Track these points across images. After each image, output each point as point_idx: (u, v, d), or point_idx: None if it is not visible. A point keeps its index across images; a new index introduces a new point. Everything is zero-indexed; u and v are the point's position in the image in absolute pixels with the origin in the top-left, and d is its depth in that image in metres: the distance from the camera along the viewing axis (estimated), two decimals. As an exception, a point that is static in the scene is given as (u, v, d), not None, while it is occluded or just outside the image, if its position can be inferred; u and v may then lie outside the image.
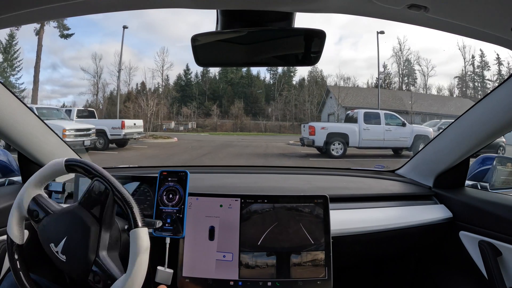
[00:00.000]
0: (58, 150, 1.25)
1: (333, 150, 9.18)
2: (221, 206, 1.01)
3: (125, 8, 0.68)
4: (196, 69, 25.11)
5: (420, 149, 1.42)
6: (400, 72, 22.46)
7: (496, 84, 1.00)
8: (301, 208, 1.00)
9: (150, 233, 0.83)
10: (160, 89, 22.64)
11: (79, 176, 1.09)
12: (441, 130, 1.24)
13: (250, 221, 0.99)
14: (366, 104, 17.86)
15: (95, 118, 11.42)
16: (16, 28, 16.67)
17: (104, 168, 0.80)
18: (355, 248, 1.12)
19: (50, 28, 18.60)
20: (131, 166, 1.65)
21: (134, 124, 10.44)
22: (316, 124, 9.82)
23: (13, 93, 1.01)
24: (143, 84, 22.70)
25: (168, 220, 0.97)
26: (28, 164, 1.19)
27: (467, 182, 1.32)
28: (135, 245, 0.69)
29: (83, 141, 8.19)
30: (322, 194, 1.01)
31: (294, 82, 24.34)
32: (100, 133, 9.17)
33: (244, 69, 24.02)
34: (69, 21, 19.16)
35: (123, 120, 10.22)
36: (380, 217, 1.15)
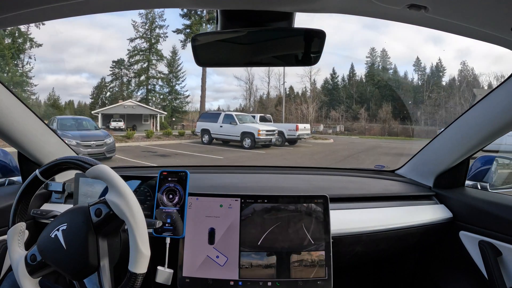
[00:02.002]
0: (57, 149, 1.25)
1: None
2: (221, 206, 1.01)
3: (125, 8, 0.68)
4: (342, 73, 25.15)
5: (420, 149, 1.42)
6: None
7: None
8: (301, 208, 1.00)
9: (150, 233, 0.83)
10: (308, 93, 23.52)
11: (79, 176, 1.09)
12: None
13: (250, 221, 0.99)
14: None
15: (271, 122, 14.50)
16: (182, 47, 21.61)
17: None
18: (355, 248, 1.12)
19: None
20: (131, 166, 1.65)
21: (304, 127, 13.32)
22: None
23: (13, 93, 1.00)
24: (291, 88, 24.02)
25: (168, 220, 0.97)
26: (28, 164, 1.19)
27: (467, 182, 1.32)
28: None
29: (271, 138, 11.06)
30: (322, 194, 1.01)
31: (443, 83, 22.56)
32: (280, 133, 11.91)
33: (391, 71, 23.63)
34: None
35: (297, 124, 13.26)
36: (380, 217, 1.15)
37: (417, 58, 23.39)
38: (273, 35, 0.78)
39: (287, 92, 23.92)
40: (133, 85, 22.76)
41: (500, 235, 1.04)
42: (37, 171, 0.79)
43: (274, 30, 0.77)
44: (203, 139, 12.01)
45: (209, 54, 0.83)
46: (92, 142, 7.88)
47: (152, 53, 22.47)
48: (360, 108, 22.64)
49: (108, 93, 22.97)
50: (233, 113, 12.17)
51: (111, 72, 22.68)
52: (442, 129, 1.25)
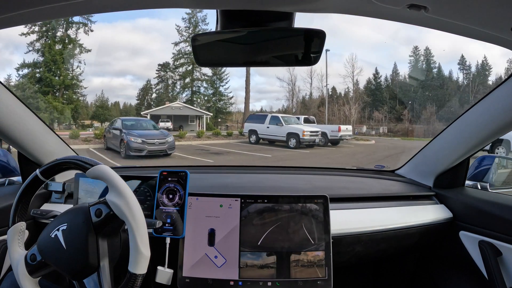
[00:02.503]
0: (57, 149, 1.25)
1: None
2: (221, 206, 1.01)
3: (125, 8, 0.68)
4: (385, 73, 24.65)
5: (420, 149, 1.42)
6: None
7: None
8: (301, 208, 1.00)
9: (150, 233, 0.83)
10: (351, 94, 23.32)
11: (79, 176, 1.09)
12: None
13: (250, 221, 0.99)
14: None
15: (315, 123, 14.92)
16: None
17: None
18: (355, 248, 1.12)
19: None
20: (131, 166, 1.65)
21: (346, 128, 13.79)
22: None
23: (13, 93, 1.00)
24: (334, 89, 23.90)
25: (168, 220, 0.97)
26: (28, 164, 1.19)
27: (467, 182, 1.32)
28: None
29: (315, 139, 11.70)
30: (322, 194, 1.01)
31: (490, 82, 21.48)
32: (323, 134, 12.51)
33: (435, 70, 22.76)
34: None
35: (339, 125, 13.95)
36: (380, 217, 1.15)
37: (462, 56, 22.67)
38: (273, 35, 0.78)
39: (330, 93, 23.68)
40: (178, 87, 23.58)
41: (500, 235, 1.04)
42: (37, 171, 0.79)
43: (274, 30, 0.77)
44: (251, 139, 12.76)
45: (209, 54, 0.83)
46: (155, 140, 8.65)
47: None
48: (404, 109, 22.16)
49: (154, 95, 23.99)
50: (279, 115, 12.81)
51: (157, 75, 23.55)
52: (442, 129, 1.25)
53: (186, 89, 23.38)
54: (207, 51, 0.82)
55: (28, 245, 0.82)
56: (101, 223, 0.73)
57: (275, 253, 0.97)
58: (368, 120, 22.45)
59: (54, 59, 18.02)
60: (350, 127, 14.44)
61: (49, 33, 18.26)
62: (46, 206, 1.17)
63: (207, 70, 22.99)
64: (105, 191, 1.05)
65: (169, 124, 18.11)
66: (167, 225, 0.97)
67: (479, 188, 1.32)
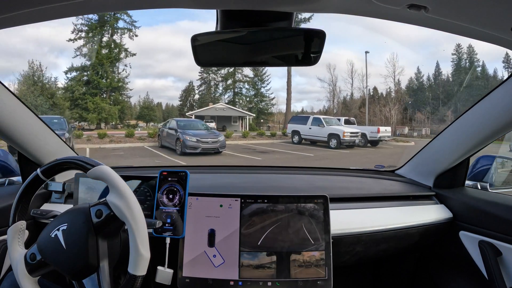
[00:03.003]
0: (57, 149, 1.25)
1: None
2: (221, 206, 1.01)
3: (125, 8, 0.68)
4: (427, 72, 23.58)
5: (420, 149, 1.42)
6: None
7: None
8: (301, 208, 1.00)
9: (150, 233, 0.83)
10: (392, 94, 22.93)
11: (79, 175, 1.09)
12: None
13: (250, 221, 0.99)
14: None
15: (355, 124, 15.25)
16: None
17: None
18: (355, 248, 1.12)
19: None
20: (131, 166, 1.65)
21: (385, 130, 14.18)
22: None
23: (13, 93, 1.00)
24: (375, 89, 23.52)
25: (168, 220, 0.97)
26: (28, 164, 1.19)
27: (467, 182, 1.32)
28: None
29: (355, 140, 12.17)
30: (322, 194, 1.01)
31: None
32: (363, 135, 12.91)
33: (479, 69, 21.94)
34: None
35: (379, 127, 14.21)
36: (380, 217, 1.15)
37: (506, 54, 21.39)
38: (273, 35, 0.78)
39: (371, 93, 23.30)
40: (220, 88, 24.33)
41: (500, 235, 1.04)
42: (38, 170, 0.79)
43: (274, 30, 0.77)
44: (293, 139, 13.43)
45: (209, 54, 0.83)
46: (209, 139, 9.61)
47: None
48: (447, 110, 21.48)
49: (197, 96, 24.99)
50: (321, 117, 13.35)
51: (199, 77, 24.36)
52: (442, 129, 1.25)
53: (228, 91, 23.99)
54: (207, 51, 0.82)
55: (28, 244, 0.82)
56: (102, 223, 0.73)
57: (275, 253, 0.97)
58: (410, 121, 21.89)
59: (101, 63, 19.23)
60: (389, 128, 14.83)
61: (95, 39, 19.44)
62: (46, 206, 1.17)
63: (249, 72, 23.56)
64: (106, 191, 1.05)
65: (213, 125, 18.54)
66: (167, 225, 0.97)
67: (479, 188, 1.32)
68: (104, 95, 19.95)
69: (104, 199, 0.74)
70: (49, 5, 0.59)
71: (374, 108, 22.07)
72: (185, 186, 0.99)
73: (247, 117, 21.34)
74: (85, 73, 19.44)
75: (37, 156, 1.17)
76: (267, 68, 22.99)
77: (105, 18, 19.27)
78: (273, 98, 23.99)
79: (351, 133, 12.15)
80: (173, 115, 23.04)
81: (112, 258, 0.77)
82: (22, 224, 0.81)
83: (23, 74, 17.67)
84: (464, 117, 1.12)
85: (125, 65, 20.38)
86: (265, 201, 1.01)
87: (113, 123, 19.93)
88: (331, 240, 0.98)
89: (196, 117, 18.85)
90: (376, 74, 26.03)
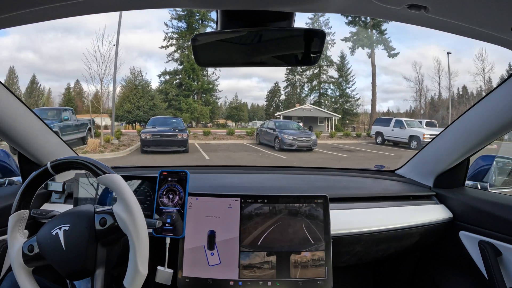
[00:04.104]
0: (57, 150, 1.25)
1: None
2: (221, 206, 1.01)
3: (125, 8, 0.68)
4: None
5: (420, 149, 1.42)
6: None
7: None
8: (301, 208, 1.00)
9: (150, 233, 0.83)
10: (483, 94, 22.06)
11: (79, 175, 1.09)
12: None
13: (250, 221, 0.99)
14: None
15: (436, 126, 15.12)
16: (351, 53, 22.87)
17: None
18: (355, 248, 1.12)
19: (379, 50, 23.22)
20: (131, 166, 1.65)
21: None
22: None
23: (13, 93, 1.01)
24: (464, 88, 22.85)
25: (168, 220, 0.97)
26: (28, 164, 1.19)
27: (467, 182, 1.32)
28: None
29: None
30: (322, 194, 1.01)
31: None
32: None
33: None
34: (394, 44, 22.09)
35: None
36: (380, 217, 1.15)
37: None
38: (273, 35, 0.78)
39: (460, 93, 22.47)
40: (306, 89, 24.88)
41: (500, 235, 1.04)
42: (48, 164, 0.79)
43: (274, 30, 0.77)
44: (377, 140, 14.21)
45: (209, 54, 0.83)
46: (303, 138, 11.13)
47: (322, 59, 23.89)
48: None
49: (283, 97, 25.61)
50: (403, 119, 13.99)
51: (285, 78, 25.03)
52: (443, 129, 1.25)
53: (314, 91, 24.36)
54: (207, 51, 0.82)
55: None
56: (104, 232, 0.74)
57: (275, 253, 0.97)
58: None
59: (192, 67, 21.14)
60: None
61: (185, 45, 21.42)
62: (46, 206, 1.17)
63: (334, 72, 23.93)
64: (106, 192, 1.05)
65: (300, 125, 19.34)
66: (167, 225, 0.97)
67: (479, 188, 1.32)
68: (196, 97, 22.02)
69: (110, 208, 0.74)
70: (49, 5, 0.59)
71: (464, 108, 21.27)
72: (185, 186, 0.99)
73: (333, 118, 21.63)
74: (177, 77, 21.71)
75: (37, 156, 1.17)
76: (352, 67, 23.96)
77: (193, 26, 20.97)
78: (358, 98, 23.87)
79: (431, 135, 12.47)
80: (258, 115, 25.07)
81: (110, 264, 0.78)
82: (25, 213, 0.81)
83: (125, 79, 20.06)
84: (464, 117, 1.12)
85: (214, 69, 21.58)
86: (265, 201, 1.01)
87: (204, 122, 21.66)
88: (331, 240, 0.98)
89: (284, 117, 19.77)
90: (464, 71, 25.10)
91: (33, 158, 1.17)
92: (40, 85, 21.95)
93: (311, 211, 1.00)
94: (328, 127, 21.03)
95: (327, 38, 22.79)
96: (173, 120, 11.85)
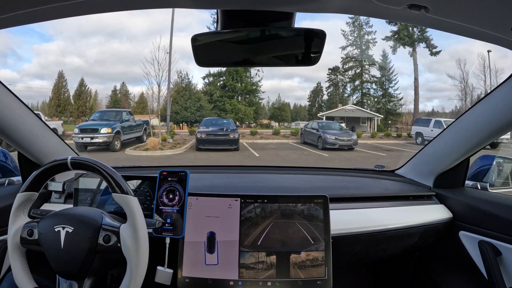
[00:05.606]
0: (57, 150, 1.25)
1: None
2: (221, 206, 1.01)
3: (125, 8, 0.68)
4: None
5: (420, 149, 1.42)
6: None
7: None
8: (301, 208, 1.00)
9: (150, 233, 0.83)
10: None
11: (79, 175, 1.09)
12: (441, 130, 1.25)
13: (250, 221, 0.99)
14: None
15: None
16: (392, 52, 22.46)
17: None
18: (355, 248, 1.12)
19: (421, 49, 22.36)
20: (131, 166, 1.65)
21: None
22: None
23: (13, 93, 1.00)
24: None
25: (168, 220, 0.97)
26: (28, 164, 1.19)
27: (467, 182, 1.32)
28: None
29: None
30: (322, 194, 1.01)
31: None
32: None
33: None
34: (436, 41, 21.59)
35: None
36: (380, 217, 1.15)
37: None
38: (273, 35, 0.78)
39: None
40: (348, 89, 24.82)
41: (500, 235, 1.04)
42: (69, 158, 0.79)
43: (274, 30, 0.77)
44: (417, 140, 14.28)
45: (209, 54, 0.83)
46: (345, 137, 11.64)
47: (364, 58, 23.99)
48: None
49: (325, 97, 25.80)
50: (442, 120, 14.24)
51: (328, 78, 25.15)
52: (442, 129, 1.25)
53: (356, 91, 24.27)
54: (207, 51, 0.82)
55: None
56: (105, 249, 0.74)
57: (275, 253, 0.97)
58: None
59: (236, 69, 21.35)
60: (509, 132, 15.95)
61: None
62: (46, 206, 1.17)
63: (376, 72, 23.82)
64: (106, 192, 1.05)
65: (343, 125, 19.55)
66: (167, 225, 0.97)
67: (479, 188, 1.32)
68: (240, 98, 22.50)
69: (118, 227, 0.75)
70: (49, 5, 0.59)
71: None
72: (185, 186, 0.99)
73: (375, 118, 21.50)
74: (221, 78, 22.20)
75: (37, 156, 1.17)
76: (394, 66, 23.54)
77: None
78: (401, 98, 23.43)
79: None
80: (301, 115, 25.36)
81: (102, 273, 0.78)
82: (34, 195, 0.81)
83: (173, 82, 20.39)
84: (464, 117, 1.12)
85: (257, 70, 22.33)
86: (265, 201, 1.01)
87: (247, 122, 22.23)
88: (331, 240, 0.98)
89: (327, 118, 20.06)
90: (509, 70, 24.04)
91: (33, 158, 1.17)
92: (88, 87, 22.89)
93: (311, 211, 1.00)
94: (370, 127, 20.91)
95: (368, 37, 23.02)
96: (224, 121, 12.59)
